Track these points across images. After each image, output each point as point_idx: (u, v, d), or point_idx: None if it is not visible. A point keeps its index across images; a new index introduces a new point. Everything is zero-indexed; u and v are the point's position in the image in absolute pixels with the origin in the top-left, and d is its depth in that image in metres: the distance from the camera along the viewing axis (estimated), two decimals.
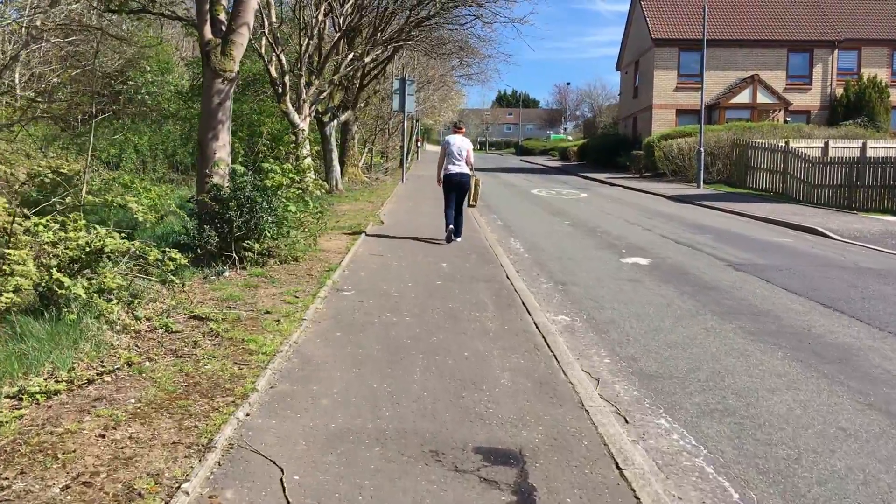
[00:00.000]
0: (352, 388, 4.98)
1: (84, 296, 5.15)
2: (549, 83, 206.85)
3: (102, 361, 5.15)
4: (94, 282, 5.64)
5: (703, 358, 6.17)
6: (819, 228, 14.83)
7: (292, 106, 17.39)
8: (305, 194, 10.10)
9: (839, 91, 36.39)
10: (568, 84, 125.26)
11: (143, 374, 4.97)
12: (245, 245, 8.85)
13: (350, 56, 18.60)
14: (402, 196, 21.48)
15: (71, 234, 5.57)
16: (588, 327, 7.18)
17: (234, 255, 8.78)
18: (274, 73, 17.17)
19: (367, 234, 12.59)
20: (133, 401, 4.50)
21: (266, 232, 8.97)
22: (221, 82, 9.52)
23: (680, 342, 6.64)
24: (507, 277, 9.05)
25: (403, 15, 19.95)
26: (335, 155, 21.44)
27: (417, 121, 46.82)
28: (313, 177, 17.61)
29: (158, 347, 5.58)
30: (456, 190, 11.62)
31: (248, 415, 4.38)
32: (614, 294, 8.64)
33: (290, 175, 9.35)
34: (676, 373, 5.78)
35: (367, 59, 19.14)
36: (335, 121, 21.40)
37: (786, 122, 35.16)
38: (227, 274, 8.50)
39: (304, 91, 17.63)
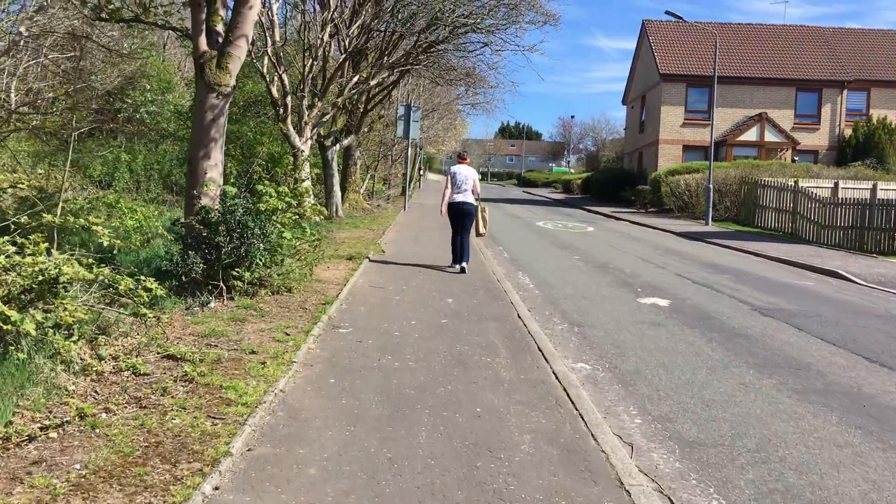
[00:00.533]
0: (346, 452, 4.19)
1: (34, 333, 4.38)
2: (552, 116, 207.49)
3: (51, 411, 4.37)
4: (51, 315, 4.87)
5: (748, 420, 5.38)
6: (840, 272, 14.09)
7: (293, 128, 16.74)
8: (302, 220, 9.36)
9: (848, 132, 35.92)
10: (572, 117, 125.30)
11: (97, 430, 4.18)
12: (234, 273, 8.09)
13: (355, 79, 18.00)
14: (405, 224, 20.77)
15: (27, 260, 4.81)
16: (612, 378, 6.40)
17: (222, 283, 8.02)
18: (276, 94, 16.55)
19: (367, 264, 11.84)
20: (78, 466, 3.70)
21: (258, 259, 8.22)
22: (216, 97, 8.83)
23: (718, 399, 5.86)
24: (519, 317, 8.28)
25: (411, 39, 19.40)
26: (336, 180, 20.77)
27: (421, 149, 46.34)
28: (312, 201, 16.94)
29: (121, 394, 4.79)
30: (462, 218, 11.56)
31: (216, 488, 3.59)
32: (636, 339, 7.87)
33: (287, 199, 8.62)
34: (721, 439, 4.99)
35: (372, 83, 18.55)
36: (337, 145, 20.76)
37: (793, 161, 34.65)
38: (212, 305, 7.73)
39: (307, 113, 16.99)
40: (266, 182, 9.00)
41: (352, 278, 10.16)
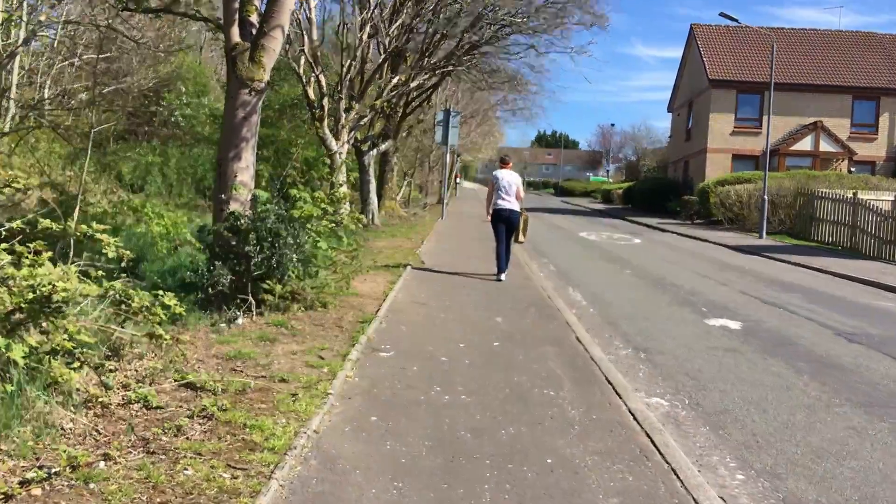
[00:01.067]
0: None
1: (21, 361, 3.64)
2: (589, 125, 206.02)
3: (38, 458, 3.62)
4: (49, 337, 4.14)
5: (874, 478, 4.45)
6: None
7: (329, 131, 16.06)
8: (339, 228, 8.61)
9: None
10: (612, 125, 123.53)
11: (91, 485, 3.41)
12: (265, 286, 7.34)
13: (394, 81, 17.28)
14: (444, 234, 19.98)
15: (22, 272, 4.08)
16: (696, 417, 5.50)
17: (251, 297, 7.28)
18: (312, 96, 15.89)
19: (407, 276, 11.05)
20: None
21: (290, 272, 7.47)
22: (248, 93, 8.13)
23: (828, 449, 4.93)
24: (578, 340, 7.41)
25: (453, 40, 18.65)
26: (373, 186, 20.07)
27: (459, 156, 45.62)
28: (349, 208, 16.24)
29: (126, 434, 4.04)
30: (506, 225, 11.23)
31: None
32: (713, 368, 6.95)
33: (322, 205, 7.87)
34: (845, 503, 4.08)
35: (412, 85, 17.81)
36: (374, 150, 20.07)
37: (850, 172, 33.18)
38: (240, 321, 6.99)
39: (343, 116, 16.31)
40: (301, 187, 8.25)
41: (391, 292, 9.36)
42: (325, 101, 15.78)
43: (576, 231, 25.63)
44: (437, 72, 18.10)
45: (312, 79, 16.03)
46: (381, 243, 15.94)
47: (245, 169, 8.15)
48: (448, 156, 26.35)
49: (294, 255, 7.39)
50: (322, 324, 7.29)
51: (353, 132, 16.72)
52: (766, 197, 25.82)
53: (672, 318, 9.52)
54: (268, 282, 7.37)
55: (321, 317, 7.60)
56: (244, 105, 8.14)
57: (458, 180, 53.84)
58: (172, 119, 27.08)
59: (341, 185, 15.47)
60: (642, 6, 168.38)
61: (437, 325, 7.70)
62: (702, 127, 36.82)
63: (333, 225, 8.42)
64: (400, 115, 20.45)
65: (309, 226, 7.76)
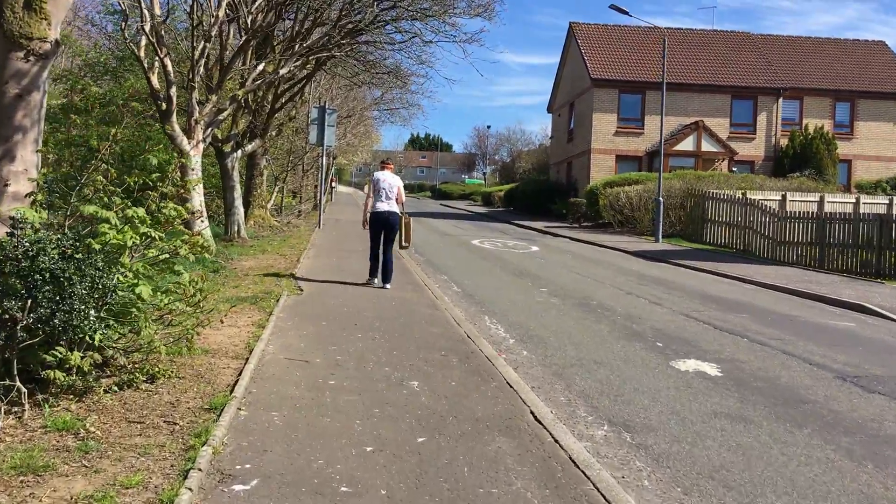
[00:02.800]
0: None
1: None
2: (461, 128, 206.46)
3: None
4: None
5: None
6: (868, 305, 11.57)
7: (180, 129, 13.08)
8: (179, 260, 5.89)
9: (783, 141, 34.57)
10: (489, 127, 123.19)
11: None
12: (50, 357, 4.57)
13: (259, 68, 14.42)
14: (323, 247, 17.29)
15: None
16: None
17: (18, 382, 4.48)
18: (156, 85, 12.87)
19: (280, 312, 8.40)
20: None
21: (88, 333, 4.71)
22: (25, 58, 5.32)
23: None
24: (538, 420, 5.06)
25: (329, 24, 16.01)
26: (238, 193, 17.11)
27: (334, 158, 42.78)
28: (205, 225, 13.29)
29: None
30: (385, 230, 10.75)
31: None
32: (738, 458, 4.78)
33: (144, 229, 5.16)
34: None
35: (282, 72, 15.00)
36: (239, 151, 17.12)
37: (731, 171, 32.94)
38: None
39: (197, 109, 13.35)
40: (117, 199, 5.49)
41: (258, 344, 6.70)
42: (174, 91, 12.78)
43: (467, 238, 23.51)
44: (310, 58, 15.38)
45: (157, 64, 13.00)
46: (249, 263, 13.12)
47: (22, 174, 5.35)
48: (324, 158, 23.59)
49: (92, 310, 4.65)
50: (142, 419, 4.57)
51: (210, 129, 13.76)
52: (660, 199, 24.66)
53: (630, 360, 7.38)
54: (56, 349, 4.60)
55: (144, 402, 4.88)
56: (18, 76, 5.33)
57: (333, 184, 50.89)
58: None
59: (193, 190, 12.61)
60: (508, 15, 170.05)
61: (326, 405, 5.14)
62: (585, 127, 35.77)
63: (168, 255, 5.70)
64: (268, 110, 17.56)
65: (123, 261, 5.04)
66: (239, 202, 17.12)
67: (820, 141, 32.87)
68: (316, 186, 35.30)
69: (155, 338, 5.20)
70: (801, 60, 37.08)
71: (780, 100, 35.04)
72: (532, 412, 5.21)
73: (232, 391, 5.15)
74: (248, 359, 6.14)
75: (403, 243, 11.33)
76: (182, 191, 5.80)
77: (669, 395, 6.15)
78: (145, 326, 5.12)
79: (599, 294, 12.02)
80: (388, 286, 10.75)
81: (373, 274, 11.01)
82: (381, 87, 27.68)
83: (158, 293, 5.39)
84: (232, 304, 8.66)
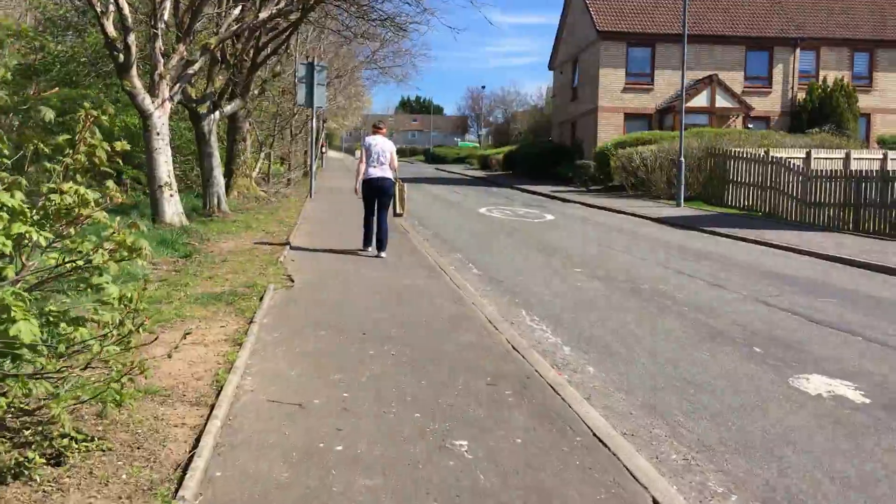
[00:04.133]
0: None
1: None
2: (452, 90, 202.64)
3: None
4: None
5: None
6: None
7: (142, 86, 11.00)
8: (101, 270, 3.90)
9: (800, 95, 32.50)
10: (483, 87, 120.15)
11: None
12: None
13: (236, 11, 12.26)
14: (316, 220, 15.29)
15: None
16: None
17: None
18: (111, 31, 10.74)
19: (264, 316, 6.44)
20: None
21: None
22: None
23: None
24: None
25: None
26: (216, 161, 15.04)
27: (325, 122, 40.53)
28: (174, 199, 11.26)
29: None
30: (378, 196, 10.34)
31: None
32: None
33: (20, 227, 3.17)
34: None
35: (262, 16, 12.84)
36: (217, 113, 15.01)
37: (747, 128, 30.91)
38: None
39: (161, 62, 11.24)
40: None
41: (231, 375, 4.74)
42: (133, 38, 10.67)
43: (472, 206, 21.52)
44: (295, 1, 13.18)
45: (111, 7, 10.86)
46: (229, 243, 11.14)
47: None
48: (314, 121, 21.45)
49: None
50: None
51: (179, 86, 11.66)
52: (682, 159, 22.66)
53: (733, 379, 5.48)
54: None
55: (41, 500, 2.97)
56: None
57: (324, 150, 48.66)
58: None
59: (161, 162, 10.61)
60: None
61: (331, 494, 3.24)
62: (591, 84, 33.59)
63: (81, 265, 3.71)
64: (249, 65, 15.41)
65: None
66: (218, 171, 15.07)
67: (840, 94, 30.82)
68: (306, 152, 33.17)
69: (52, 405, 3.24)
70: (816, 8, 34.81)
71: (798, 50, 32.90)
72: (653, 496, 3.32)
73: (180, 486, 3.21)
74: (213, 405, 4.20)
75: (398, 210, 10.82)
76: (96, 159, 3.79)
77: (822, 442, 4.28)
78: (35, 385, 3.17)
79: (644, 273, 10.13)
80: (382, 254, 10.35)
81: (367, 243, 10.58)
82: (374, 42, 25.45)
83: (61, 325, 3.43)
84: (203, 305, 6.72)
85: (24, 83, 18.45)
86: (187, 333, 3.97)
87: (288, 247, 10.86)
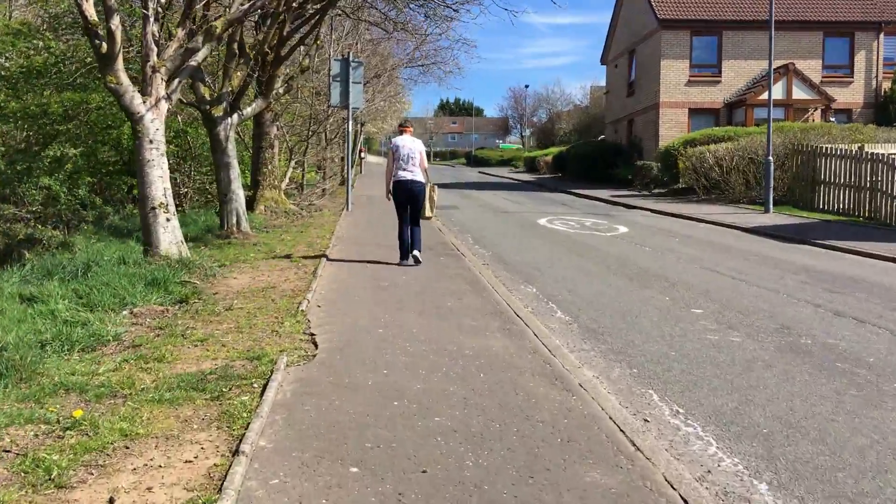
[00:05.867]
0: None
1: None
2: (491, 92, 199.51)
3: None
4: None
5: None
6: None
7: (129, 80, 8.71)
8: None
9: (886, 84, 29.27)
10: (527, 87, 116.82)
11: None
12: None
13: None
14: (352, 240, 12.90)
15: None
16: None
17: None
18: (91, 14, 8.47)
19: (259, 443, 4.02)
20: None
21: None
22: None
23: None
24: None
25: None
26: (235, 173, 12.76)
27: (362, 125, 38.30)
28: (171, 224, 8.88)
29: None
30: (410, 201, 9.79)
31: None
32: None
33: None
34: None
35: None
36: (235, 116, 12.72)
37: (829, 121, 27.80)
38: None
39: (154, 51, 8.92)
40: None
41: None
42: (116, 20, 8.37)
43: (528, 216, 18.97)
44: None
45: None
46: (241, 280, 8.77)
47: None
48: (350, 123, 19.13)
49: None
50: None
51: (178, 82, 9.32)
52: (770, 158, 19.78)
53: None
54: None
55: None
56: None
57: (362, 155, 46.50)
58: None
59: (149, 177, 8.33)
60: None
61: None
62: (650, 78, 30.78)
63: None
64: (272, 58, 13.09)
65: None
66: (237, 184, 12.77)
67: None
68: (342, 158, 30.92)
69: None
70: None
71: (881, 36, 29.66)
72: None
73: None
74: None
75: (427, 213, 10.14)
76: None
77: None
78: None
79: (791, 316, 7.50)
80: (416, 253, 9.92)
81: (404, 256, 10.00)
82: (415, 35, 23.07)
83: None
84: (174, 403, 4.33)
85: (24, 87, 16.44)
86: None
87: (314, 283, 8.44)
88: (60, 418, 4.06)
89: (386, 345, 5.97)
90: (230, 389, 4.66)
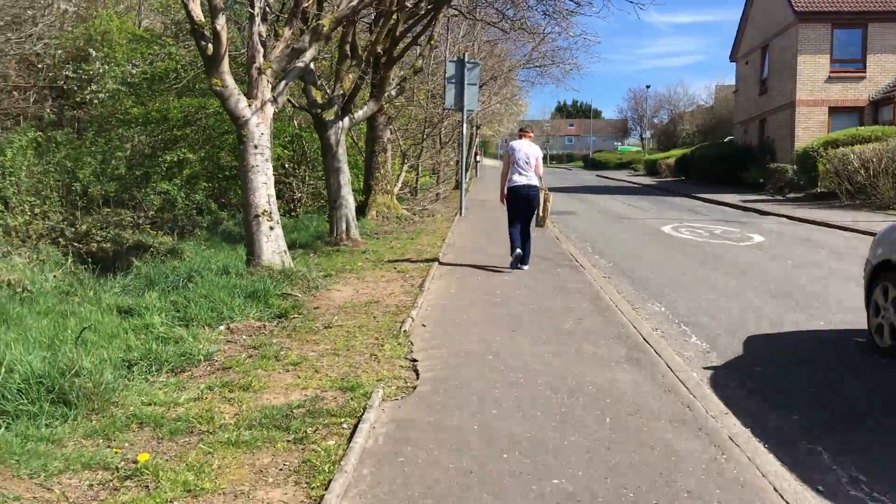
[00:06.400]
0: None
1: None
2: (608, 94, 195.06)
3: None
4: None
5: None
6: None
7: (234, 83, 8.41)
8: None
9: None
10: (648, 87, 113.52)
11: None
12: None
13: None
14: (462, 247, 12.27)
15: None
16: None
17: None
18: (198, 15, 8.21)
19: (355, 491, 3.40)
20: None
21: None
22: None
23: None
24: None
25: None
26: (345, 178, 12.41)
27: (478, 128, 37.79)
28: (275, 233, 8.49)
29: None
30: (524, 206, 9.64)
31: None
32: None
33: None
34: None
35: None
36: (346, 120, 12.38)
37: None
38: None
39: (260, 52, 8.58)
40: None
41: None
42: (222, 22, 8.07)
43: (652, 223, 17.79)
44: None
45: None
46: (344, 292, 8.28)
47: None
48: (465, 125, 18.59)
49: None
50: None
51: (284, 84, 8.97)
52: None
53: None
54: None
55: None
56: None
57: (478, 158, 46.02)
58: (88, 95, 19.54)
59: (261, 182, 7.96)
60: None
61: None
62: (785, 75, 28.62)
63: None
64: (384, 59, 12.66)
65: None
66: (347, 190, 12.41)
67: None
68: (457, 162, 30.48)
69: None
70: None
71: None
72: None
73: None
74: None
75: (541, 221, 10.17)
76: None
77: None
78: None
79: None
80: (525, 267, 9.84)
81: (516, 262, 9.83)
82: (533, 35, 22.27)
83: None
84: (251, 445, 3.78)
85: (147, 93, 16.81)
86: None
87: (421, 296, 7.84)
88: (123, 463, 3.58)
89: (496, 376, 5.25)
90: (316, 430, 4.08)
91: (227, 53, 8.26)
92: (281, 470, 3.59)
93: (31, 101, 21.67)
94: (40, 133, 14.95)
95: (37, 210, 12.08)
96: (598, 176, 53.25)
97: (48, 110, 21.18)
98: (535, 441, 4.03)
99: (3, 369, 4.28)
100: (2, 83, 20.58)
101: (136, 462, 3.57)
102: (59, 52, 21.84)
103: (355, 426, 4.12)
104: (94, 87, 18.79)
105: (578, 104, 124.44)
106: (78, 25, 22.45)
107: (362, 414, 4.30)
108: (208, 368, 5.38)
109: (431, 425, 4.25)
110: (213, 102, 15.22)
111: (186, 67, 15.72)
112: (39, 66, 21.92)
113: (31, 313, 6.56)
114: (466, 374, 5.30)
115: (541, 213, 10.05)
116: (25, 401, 4.07)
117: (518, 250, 9.69)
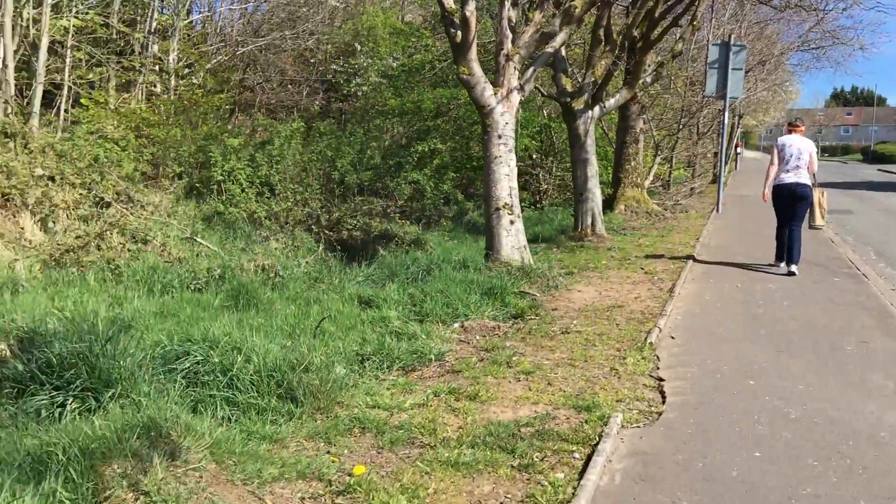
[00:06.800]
0: None
1: None
2: (894, 77, 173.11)
3: None
4: None
5: None
6: None
7: (481, 71, 8.17)
8: None
9: None
10: None
11: None
12: None
13: None
14: (718, 248, 11.15)
15: None
16: None
17: None
18: (449, 2, 8.07)
19: None
20: None
21: None
22: None
23: None
24: None
25: None
26: (593, 170, 11.81)
27: (740, 117, 35.10)
28: (515, 227, 8.13)
29: None
30: (792, 205, 8.79)
31: None
32: None
33: None
34: None
35: None
36: (597, 109, 11.76)
37: None
38: None
39: (508, 38, 8.25)
40: None
41: None
42: (472, 8, 7.85)
43: None
44: None
45: None
46: (585, 293, 7.73)
47: None
48: (727, 114, 17.10)
49: None
50: None
51: (532, 70, 8.57)
52: None
53: None
54: None
55: None
56: None
57: (738, 150, 42.85)
58: (353, 88, 20.78)
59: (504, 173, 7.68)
60: None
61: None
62: None
63: None
64: (639, 44, 11.84)
65: None
66: (594, 182, 11.81)
67: None
68: (715, 154, 28.42)
69: None
70: None
71: None
72: None
73: None
74: None
75: (818, 221, 9.22)
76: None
77: None
78: None
79: None
80: (793, 268, 8.86)
81: (779, 258, 9.29)
82: (809, 14, 19.93)
83: None
84: (470, 470, 3.43)
85: (403, 85, 17.36)
86: None
87: (670, 303, 7.09)
88: (338, 475, 3.37)
89: (758, 406, 4.45)
90: (544, 457, 3.62)
91: (475, 41, 8.02)
92: (501, 503, 3.18)
93: (304, 94, 23.53)
94: (303, 123, 16.00)
95: (298, 197, 12.92)
96: (879, 170, 47.27)
97: (317, 102, 22.84)
98: (811, 501, 3.25)
99: (242, 357, 4.30)
100: (280, 77, 22.51)
101: (351, 475, 3.35)
102: (329, 47, 23.45)
103: (589, 457, 3.60)
104: (358, 80, 19.88)
105: (858, 90, 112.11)
106: (346, 21, 23.97)
107: (597, 443, 3.76)
108: (438, 370, 5.14)
109: (679, 465, 3.61)
110: (464, 93, 15.28)
111: (440, 58, 15.99)
112: (312, 60, 23.73)
113: (281, 298, 6.80)
114: (721, 400, 4.55)
115: (817, 214, 9.17)
116: (256, 394, 4.05)
117: (785, 254, 8.97)
